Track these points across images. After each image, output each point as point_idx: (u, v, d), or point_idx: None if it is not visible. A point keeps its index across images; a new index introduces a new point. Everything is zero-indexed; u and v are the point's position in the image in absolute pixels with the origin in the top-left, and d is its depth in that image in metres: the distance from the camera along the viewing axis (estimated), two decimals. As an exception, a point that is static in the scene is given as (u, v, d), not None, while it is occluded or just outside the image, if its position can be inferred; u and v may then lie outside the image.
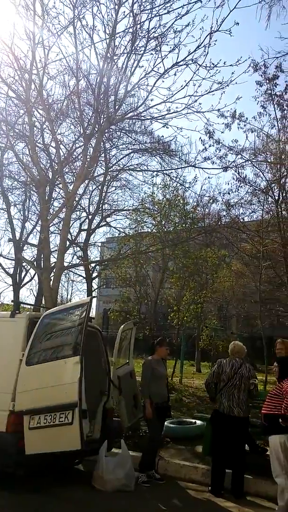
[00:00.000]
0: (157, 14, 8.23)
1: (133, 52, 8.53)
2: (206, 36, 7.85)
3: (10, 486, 5.06)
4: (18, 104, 9.88)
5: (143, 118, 10.02)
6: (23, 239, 14.31)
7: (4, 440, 4.87)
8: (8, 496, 4.88)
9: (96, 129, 9.32)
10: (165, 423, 6.67)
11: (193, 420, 7.75)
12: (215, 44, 7.96)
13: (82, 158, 9.53)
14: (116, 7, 8.30)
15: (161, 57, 8.33)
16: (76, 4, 8.24)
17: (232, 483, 5.45)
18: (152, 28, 8.31)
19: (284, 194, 11.77)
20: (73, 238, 12.85)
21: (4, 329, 5.53)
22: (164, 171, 13.00)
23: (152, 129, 13.76)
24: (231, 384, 5.54)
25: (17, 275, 14.61)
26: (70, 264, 12.31)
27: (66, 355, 4.87)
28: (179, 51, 8.20)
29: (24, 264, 14.01)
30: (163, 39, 8.35)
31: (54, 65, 9.45)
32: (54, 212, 10.35)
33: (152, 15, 8.24)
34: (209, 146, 10.19)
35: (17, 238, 13.79)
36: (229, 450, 5.55)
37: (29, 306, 12.02)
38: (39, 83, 8.73)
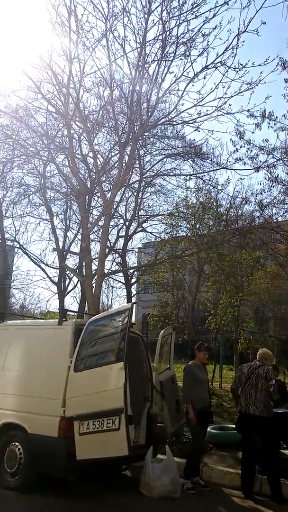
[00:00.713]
0: (185, 20, 8.37)
1: (163, 59, 8.69)
2: (234, 38, 7.95)
3: (57, 491, 5.22)
4: (57, 118, 10.21)
5: (175, 123, 10.13)
6: (65, 248, 14.68)
7: (56, 445, 5.02)
8: (55, 501, 5.03)
9: (130, 137, 9.50)
10: (207, 429, 6.69)
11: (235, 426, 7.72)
12: (243, 45, 8.07)
13: (118, 166, 9.73)
14: (146, 16, 8.46)
15: (191, 61, 8.48)
16: (108, 17, 8.45)
17: (270, 488, 5.46)
18: (181, 34, 8.46)
19: None
20: (111, 245, 13.08)
21: (52, 336, 5.74)
22: (197, 175, 13.09)
23: (184, 133, 13.84)
24: (249, 384, 5.69)
25: (62, 283, 14.97)
26: (110, 271, 12.54)
27: (110, 361, 4.97)
28: (207, 54, 8.33)
29: (67, 272, 14.37)
30: (191, 43, 8.48)
31: (89, 78, 9.71)
32: (93, 221, 10.60)
33: (181, 21, 8.38)
34: (240, 147, 10.14)
35: (60, 247, 14.18)
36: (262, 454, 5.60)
37: (73, 313, 12.29)
38: (76, 96, 8.98)
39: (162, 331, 7.16)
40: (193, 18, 8.30)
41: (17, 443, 5.40)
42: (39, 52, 8.58)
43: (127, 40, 8.66)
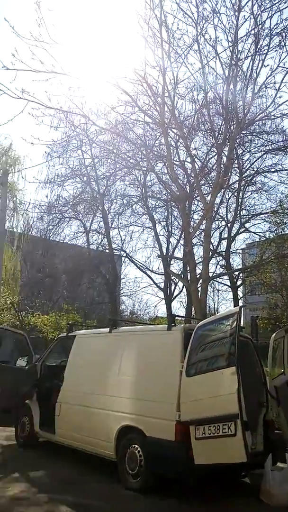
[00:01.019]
0: (278, 10, 8.24)
1: (257, 53, 8.60)
2: None
3: (175, 495, 5.27)
4: (154, 127, 10.52)
5: (273, 117, 9.87)
6: (169, 254, 15.03)
7: (174, 449, 5.10)
8: (173, 504, 5.08)
9: (227, 137, 9.42)
10: None
11: None
12: None
13: (216, 168, 9.69)
14: (236, 13, 8.44)
15: (286, 51, 8.33)
16: (198, 21, 8.52)
17: None
18: (274, 25, 8.34)
19: None
20: (215, 248, 13.03)
21: (162, 341, 5.86)
22: (301, 167, 12.45)
23: (283, 126, 13.38)
24: None
25: (168, 288, 15.34)
26: (215, 274, 12.48)
27: (222, 366, 4.90)
28: (304, 40, 7.98)
29: (172, 277, 14.68)
30: (286, 33, 8.31)
31: (183, 84, 9.87)
32: (195, 225, 10.68)
33: (273, 12, 8.27)
34: None
35: (164, 254, 14.56)
36: None
37: (181, 318, 12.45)
38: (171, 104, 9.17)
39: (274, 335, 6.91)
40: (286, 7, 8.18)
41: (136, 445, 5.59)
42: (134, 67, 8.98)
43: (218, 40, 8.75)
